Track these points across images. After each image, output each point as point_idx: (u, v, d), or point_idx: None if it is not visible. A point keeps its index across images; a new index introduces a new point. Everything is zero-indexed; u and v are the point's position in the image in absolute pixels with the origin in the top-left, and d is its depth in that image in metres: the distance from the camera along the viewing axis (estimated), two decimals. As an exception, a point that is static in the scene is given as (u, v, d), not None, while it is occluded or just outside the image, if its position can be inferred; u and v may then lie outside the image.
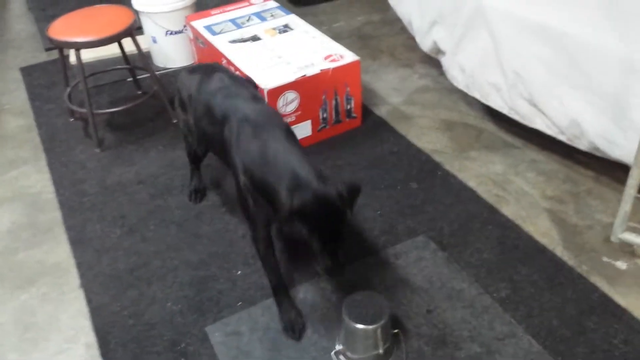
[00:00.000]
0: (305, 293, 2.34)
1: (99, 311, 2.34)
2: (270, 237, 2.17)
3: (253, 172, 1.99)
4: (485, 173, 2.87)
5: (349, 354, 2.08)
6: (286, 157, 1.95)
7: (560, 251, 2.43)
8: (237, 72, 3.07)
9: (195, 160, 2.76)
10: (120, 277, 2.48)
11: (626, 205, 2.18)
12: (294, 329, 2.17)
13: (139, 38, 3.22)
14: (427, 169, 2.92)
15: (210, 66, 2.53)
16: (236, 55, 3.14)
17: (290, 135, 2.08)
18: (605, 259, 2.39)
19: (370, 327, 1.98)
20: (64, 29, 3.04)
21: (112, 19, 3.11)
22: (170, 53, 3.80)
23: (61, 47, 3.09)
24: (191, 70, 2.52)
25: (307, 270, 2.41)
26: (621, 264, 2.36)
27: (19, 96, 3.79)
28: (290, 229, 1.86)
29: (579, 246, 2.45)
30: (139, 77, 3.66)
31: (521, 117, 2.73)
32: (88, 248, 2.63)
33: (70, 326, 2.30)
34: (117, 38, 3.05)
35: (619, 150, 2.33)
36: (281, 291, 2.22)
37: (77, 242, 2.67)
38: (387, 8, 3.95)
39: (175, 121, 3.35)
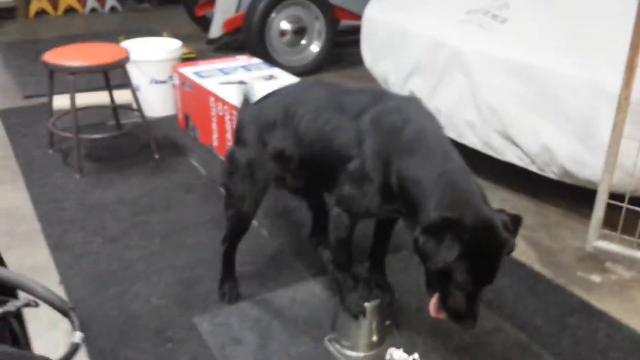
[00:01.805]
0: (295, 292, 2.34)
1: (81, 303, 2.25)
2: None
3: (401, 166, 1.75)
4: (460, 206, 3.02)
5: (342, 341, 2.07)
6: (445, 159, 1.74)
7: (538, 267, 2.55)
8: (227, 106, 3.22)
9: (244, 225, 2.24)
10: (101, 276, 2.41)
11: (598, 211, 2.35)
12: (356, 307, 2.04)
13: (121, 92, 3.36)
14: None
15: (272, 92, 2.22)
16: (225, 93, 3.30)
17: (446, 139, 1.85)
18: (580, 273, 2.51)
19: (367, 304, 2.01)
20: (58, 55, 3.16)
21: (105, 51, 3.27)
22: (153, 102, 3.93)
23: (53, 70, 3.18)
24: (260, 100, 2.22)
25: (297, 270, 2.45)
26: (595, 277, 2.49)
27: (-5, 131, 3.79)
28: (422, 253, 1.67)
29: (554, 264, 2.58)
30: (123, 121, 3.73)
31: (494, 151, 2.94)
32: (68, 252, 2.56)
33: (49, 315, 2.18)
34: (109, 67, 3.19)
35: (587, 170, 2.54)
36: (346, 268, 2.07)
37: (57, 247, 2.60)
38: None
39: (157, 157, 3.41)
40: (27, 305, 1.25)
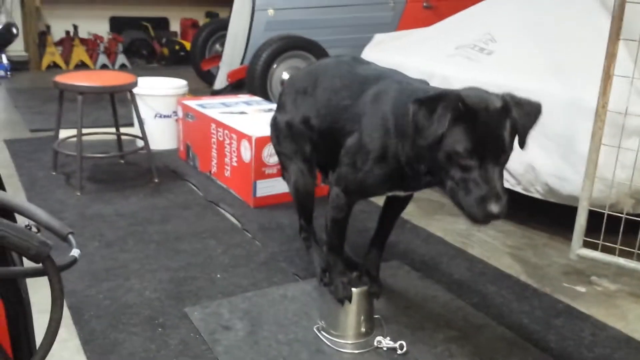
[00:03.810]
0: (285, 290, 2.37)
1: (74, 294, 2.29)
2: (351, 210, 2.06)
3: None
4: (450, 228, 3.09)
5: (331, 330, 2.09)
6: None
7: (524, 278, 2.60)
8: (227, 131, 3.36)
9: (306, 188, 2.28)
10: (96, 273, 2.46)
11: (581, 219, 2.43)
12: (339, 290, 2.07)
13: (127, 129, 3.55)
14: (397, 223, 3.11)
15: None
16: (226, 119, 3.45)
17: None
18: (565, 284, 2.56)
19: (354, 289, 2.05)
20: (68, 77, 3.33)
21: (114, 76, 3.45)
22: (156, 135, 4.06)
23: (63, 90, 3.33)
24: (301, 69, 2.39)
25: (289, 274, 2.50)
26: (580, 288, 2.53)
27: (1, 155, 3.90)
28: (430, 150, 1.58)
29: (540, 276, 2.62)
30: (126, 153, 3.85)
31: (482, 174, 3.05)
32: (63, 253, 2.60)
33: (41, 303, 2.21)
34: (116, 89, 3.35)
35: (570, 185, 2.64)
36: (337, 251, 2.13)
37: (53, 249, 2.64)
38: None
39: (156, 180, 3.52)
40: (29, 228, 1.32)
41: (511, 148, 1.60)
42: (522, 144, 1.64)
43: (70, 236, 1.34)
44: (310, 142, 2.21)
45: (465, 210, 1.57)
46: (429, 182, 1.82)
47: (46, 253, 1.14)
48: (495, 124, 1.55)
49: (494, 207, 1.49)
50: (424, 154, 1.69)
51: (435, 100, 1.56)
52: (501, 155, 1.55)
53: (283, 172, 2.44)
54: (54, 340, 1.21)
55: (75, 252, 1.29)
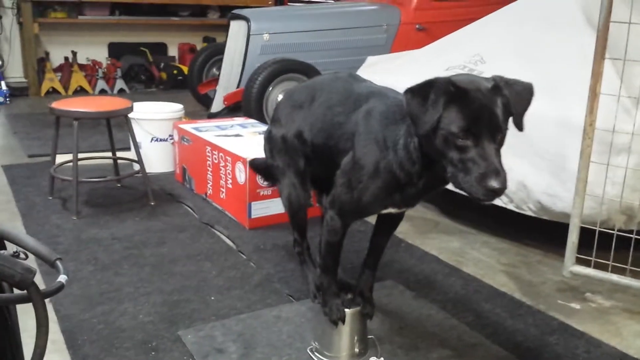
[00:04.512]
0: (279, 311, 2.38)
1: (68, 318, 2.30)
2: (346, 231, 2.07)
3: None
4: (444, 247, 3.10)
5: (325, 351, 2.09)
6: None
7: (518, 295, 2.60)
8: (222, 154, 3.39)
9: (299, 202, 2.31)
10: (90, 297, 2.46)
11: (573, 236, 2.44)
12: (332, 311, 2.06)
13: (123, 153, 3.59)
14: (391, 243, 3.12)
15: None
16: (221, 141, 3.48)
17: None
18: (560, 301, 2.56)
19: (347, 310, 2.06)
20: (65, 104, 3.36)
21: (109, 101, 3.49)
22: (152, 159, 4.09)
23: (59, 116, 3.37)
24: (288, 94, 2.39)
25: (283, 295, 2.51)
26: (575, 305, 2.53)
27: (-2, 182, 3.94)
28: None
29: (535, 293, 2.63)
30: (122, 177, 3.87)
31: (475, 193, 3.07)
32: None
33: (33, 329, 2.22)
34: (111, 114, 3.39)
35: (561, 202, 2.65)
36: (331, 274, 2.12)
37: (48, 273, 2.64)
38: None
39: (152, 203, 3.53)
40: (16, 255, 1.33)
41: (506, 127, 1.61)
42: (519, 125, 1.66)
43: (58, 262, 1.35)
44: (304, 156, 2.23)
45: (467, 190, 1.57)
46: (425, 187, 1.82)
47: (30, 280, 1.15)
48: (487, 102, 1.56)
49: (494, 182, 1.50)
50: (423, 145, 1.69)
51: (427, 87, 1.59)
52: (496, 132, 1.56)
53: (276, 183, 2.45)
54: None
55: (62, 278, 1.30)
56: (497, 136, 1.57)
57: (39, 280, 2.46)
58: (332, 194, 2.00)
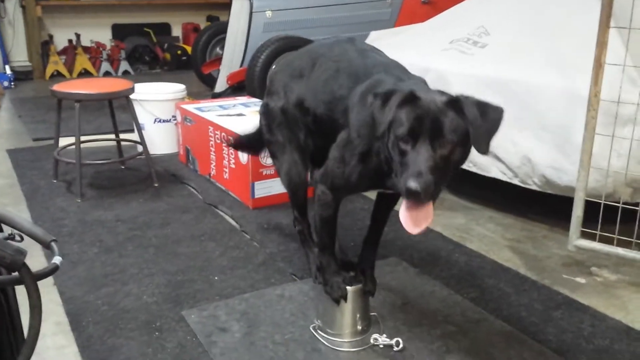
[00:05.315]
0: (283, 290, 2.38)
1: (72, 300, 2.31)
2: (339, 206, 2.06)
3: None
4: (448, 223, 3.08)
5: (327, 329, 2.09)
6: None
7: (523, 271, 2.58)
8: (224, 134, 3.37)
9: (298, 179, 2.29)
10: (94, 279, 2.47)
11: (578, 210, 2.41)
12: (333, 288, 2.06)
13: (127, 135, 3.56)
14: (395, 220, 3.11)
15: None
16: (223, 121, 3.46)
17: None
18: (565, 276, 2.54)
19: (349, 287, 2.05)
20: (66, 86, 3.36)
21: (111, 83, 3.47)
22: (156, 140, 4.09)
23: (61, 98, 3.36)
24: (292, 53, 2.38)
25: (286, 274, 2.51)
26: (580, 279, 2.51)
27: (3, 165, 3.94)
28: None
29: (540, 268, 2.61)
30: (126, 158, 3.86)
31: (478, 168, 3.04)
32: (63, 260, 2.62)
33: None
34: (113, 96, 3.37)
35: (567, 176, 2.62)
36: (329, 251, 2.12)
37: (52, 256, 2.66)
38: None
39: (156, 185, 3.53)
40: (11, 237, 1.33)
41: (455, 139, 1.57)
42: (480, 148, 1.62)
43: (52, 244, 1.35)
44: (305, 128, 2.18)
45: (399, 191, 1.64)
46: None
47: (21, 261, 1.14)
48: (434, 109, 1.57)
49: (412, 183, 1.51)
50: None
51: (390, 94, 1.65)
52: (436, 139, 1.56)
53: (273, 160, 2.40)
54: (34, 347, 1.22)
55: (56, 260, 1.29)
56: (437, 143, 1.56)
57: (41, 262, 2.48)
58: (325, 167, 1.98)
